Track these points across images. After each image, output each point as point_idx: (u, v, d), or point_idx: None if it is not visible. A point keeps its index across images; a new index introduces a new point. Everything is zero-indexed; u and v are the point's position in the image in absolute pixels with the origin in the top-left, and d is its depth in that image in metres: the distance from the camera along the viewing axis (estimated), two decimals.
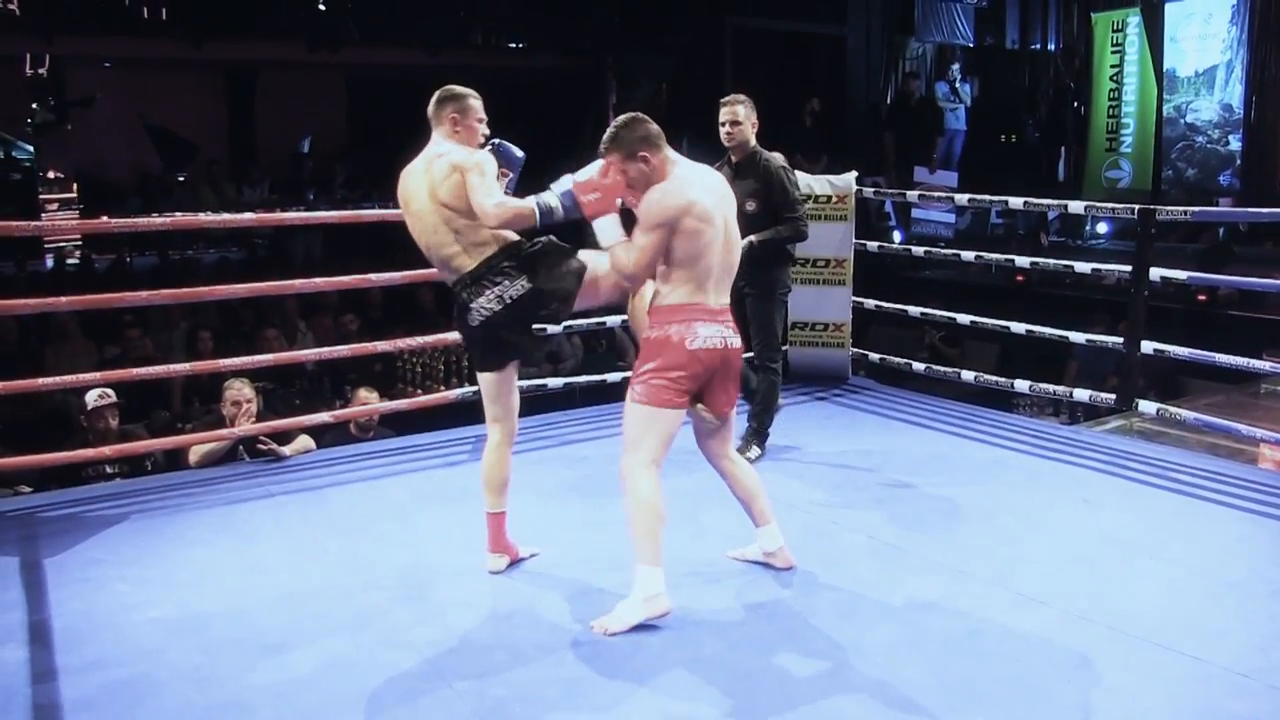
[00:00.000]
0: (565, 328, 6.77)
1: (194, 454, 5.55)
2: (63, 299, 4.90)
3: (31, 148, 16.06)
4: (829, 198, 6.75)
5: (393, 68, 16.74)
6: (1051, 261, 6.84)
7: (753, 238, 5.07)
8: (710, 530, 4.44)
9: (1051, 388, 6.32)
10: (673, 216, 3.53)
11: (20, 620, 3.77)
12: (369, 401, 6.25)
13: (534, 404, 6.38)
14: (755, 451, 5.42)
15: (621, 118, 3.72)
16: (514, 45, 17.23)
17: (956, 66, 12.82)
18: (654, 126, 3.64)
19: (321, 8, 15.27)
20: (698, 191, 3.59)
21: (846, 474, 5.20)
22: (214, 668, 3.41)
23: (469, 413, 5.93)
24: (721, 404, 3.79)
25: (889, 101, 13.07)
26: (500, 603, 3.83)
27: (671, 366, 3.58)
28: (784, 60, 13.76)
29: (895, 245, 9.56)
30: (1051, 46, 13.32)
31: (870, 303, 6.91)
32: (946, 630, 3.55)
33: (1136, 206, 5.95)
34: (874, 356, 7.00)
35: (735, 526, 4.19)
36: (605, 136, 3.68)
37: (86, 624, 3.73)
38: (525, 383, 6.44)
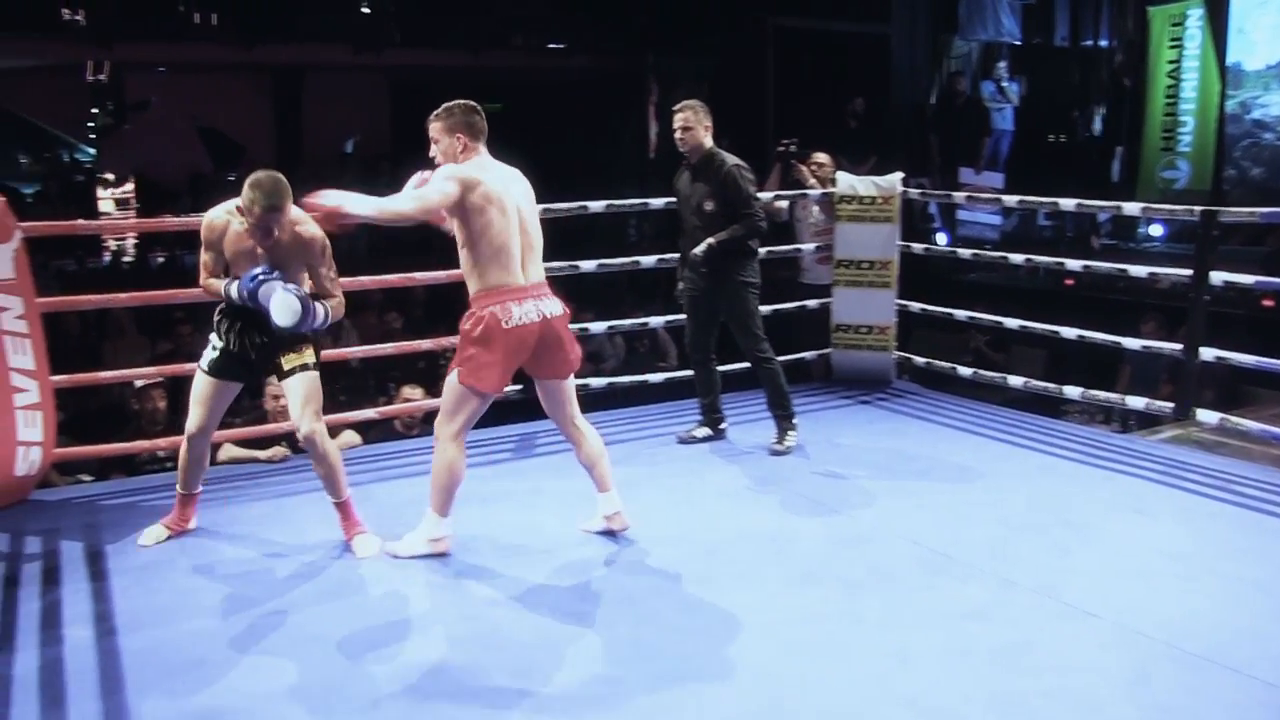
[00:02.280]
0: (609, 328, 6.78)
1: (224, 452, 5.59)
2: (121, 295, 4.99)
3: (93, 150, 16.40)
4: (873, 199, 6.70)
5: (435, 69, 16.83)
6: (1105, 265, 6.72)
7: (710, 240, 5.31)
8: (751, 533, 4.42)
9: (1104, 395, 6.17)
10: (464, 179, 3.91)
11: (86, 603, 3.87)
12: (414, 399, 6.28)
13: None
14: (792, 438, 5.54)
15: (464, 102, 4.10)
16: (554, 46, 17.27)
17: (1003, 65, 12.65)
18: (482, 122, 4.09)
19: (365, 11, 15.41)
20: (488, 176, 3.97)
21: (890, 478, 5.15)
22: (264, 656, 3.46)
23: (511, 412, 5.94)
24: (560, 369, 4.21)
25: (933, 102, 12.94)
26: (540, 600, 3.83)
27: (490, 348, 3.95)
28: (826, 60, 13.68)
29: (941, 247, 9.48)
30: (1104, 43, 13.09)
31: (915, 306, 6.84)
32: (994, 640, 3.49)
33: (1198, 208, 5.78)
34: (918, 360, 6.92)
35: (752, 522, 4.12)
36: (441, 107, 4.09)
37: (146, 609, 3.81)
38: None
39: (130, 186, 15.57)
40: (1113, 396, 6.21)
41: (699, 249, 5.33)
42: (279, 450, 5.59)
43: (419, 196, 3.99)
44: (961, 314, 6.77)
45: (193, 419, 4.32)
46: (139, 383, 6.03)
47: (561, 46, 17.24)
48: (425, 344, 6.22)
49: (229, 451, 5.58)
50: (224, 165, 16.01)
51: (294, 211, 4.13)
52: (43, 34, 14.53)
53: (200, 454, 4.42)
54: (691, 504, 4.84)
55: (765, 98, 13.94)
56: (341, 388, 7.84)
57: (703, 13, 14.88)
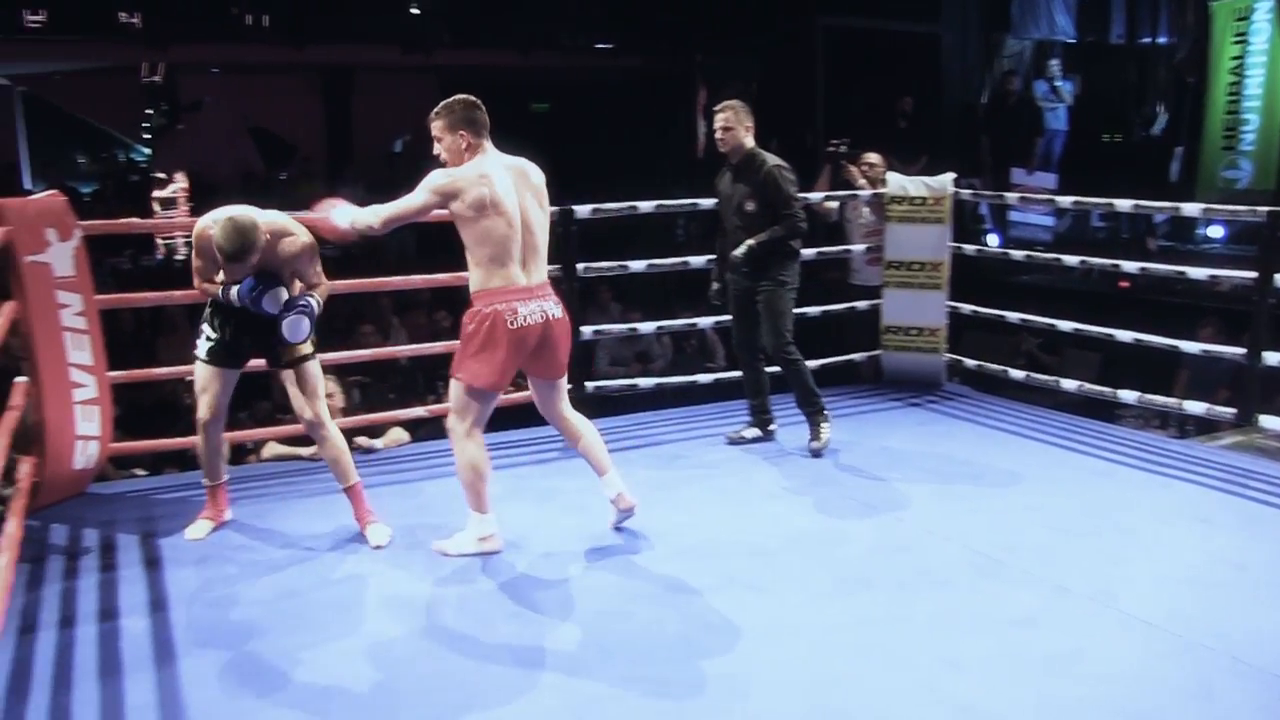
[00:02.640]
0: (658, 328, 6.77)
1: (268, 449, 5.64)
2: (176, 292, 5.04)
3: (147, 150, 16.64)
4: (924, 199, 6.64)
5: (484, 69, 16.91)
6: (1163, 267, 6.60)
7: (750, 241, 5.31)
8: (800, 534, 4.41)
9: (1162, 399, 6.07)
10: (442, 190, 3.97)
11: (142, 594, 3.94)
12: None
13: (624, 404, 6.39)
14: (826, 431, 5.52)
15: (464, 97, 4.12)
16: (602, 46, 17.29)
17: (1056, 64, 12.48)
18: (484, 116, 4.08)
19: (415, 12, 15.52)
20: (477, 180, 3.96)
21: (941, 482, 5.10)
22: (314, 651, 3.49)
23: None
24: (553, 370, 4.26)
25: (984, 101, 12.82)
26: (589, 600, 3.84)
27: (493, 347, 4.00)
28: (876, 60, 13.60)
29: (993, 248, 9.39)
30: (1163, 39, 12.85)
31: (966, 308, 6.77)
32: (1048, 648, 3.44)
33: (1266, 209, 5.63)
34: (969, 363, 6.86)
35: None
36: (441, 105, 4.10)
37: (200, 601, 3.87)
38: (615, 383, 6.47)
39: (178, 186, 15.74)
40: (1170, 401, 6.09)
41: (739, 249, 5.33)
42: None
43: (378, 211, 4.09)
44: (1014, 316, 6.69)
45: (202, 407, 4.43)
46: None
47: (609, 46, 17.26)
48: None
49: (273, 449, 5.63)
50: (275, 164, 16.21)
51: (280, 223, 4.27)
52: (100, 37, 14.78)
53: (217, 442, 4.53)
54: (740, 505, 4.83)
55: (814, 98, 13.88)
56: (391, 386, 7.89)
57: (751, 13, 14.83)
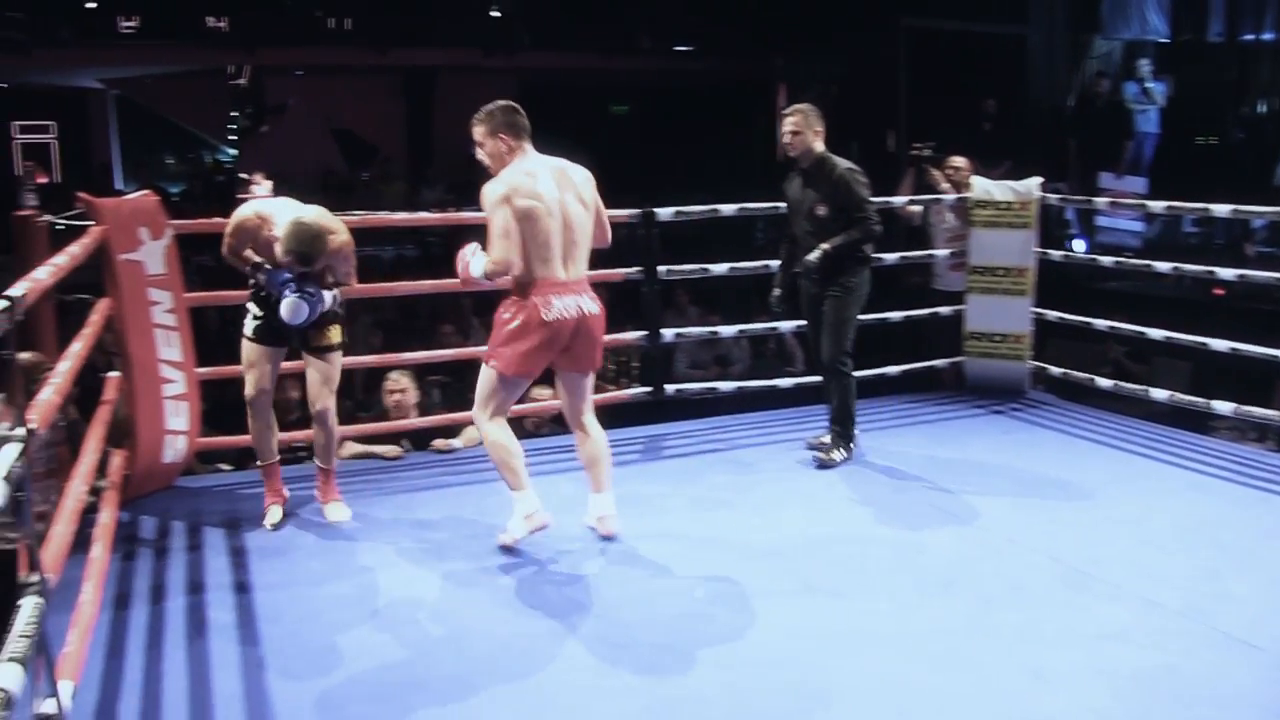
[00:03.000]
0: (738, 331, 6.74)
1: (346, 449, 5.69)
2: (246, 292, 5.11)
3: (233, 151, 16.95)
4: (1009, 204, 6.55)
5: (564, 71, 17.02)
6: (1263, 274, 6.41)
7: (825, 245, 5.19)
8: (881, 541, 4.36)
9: (1260, 411, 5.80)
10: (500, 196, 4.02)
11: (228, 587, 4.00)
12: (542, 399, 6.31)
13: (703, 407, 6.37)
14: (840, 455, 5.39)
15: (504, 103, 4.21)
16: (682, 49, 17.28)
17: (1147, 64, 12.17)
18: (523, 120, 4.18)
19: (495, 15, 15.64)
20: (526, 178, 4.07)
21: (1025, 491, 5.01)
22: (394, 647, 3.52)
23: (638, 413, 5.94)
24: (583, 364, 4.30)
25: (1071, 104, 12.59)
26: (668, 604, 3.83)
27: (526, 337, 4.07)
28: (960, 62, 13.44)
29: (1080, 254, 9.22)
30: (1268, 36, 12.40)
31: (1052, 314, 6.65)
32: (1138, 663, 3.35)
33: None
34: (1054, 370, 6.73)
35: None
36: (482, 110, 4.20)
37: (284, 596, 3.92)
38: (694, 386, 6.46)
39: (259, 189, 15.98)
40: (1270, 413, 5.84)
41: (813, 255, 5.21)
42: (395, 448, 5.69)
43: (494, 256, 4.07)
44: (1101, 323, 6.55)
45: (249, 384, 4.58)
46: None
47: (689, 49, 17.25)
48: None
49: (351, 448, 5.68)
50: (357, 165, 16.42)
51: (325, 221, 4.38)
52: (189, 41, 15.12)
53: (267, 419, 4.66)
54: (820, 510, 4.79)
55: (896, 101, 13.74)
56: (468, 385, 7.94)
57: (833, 14, 14.73)
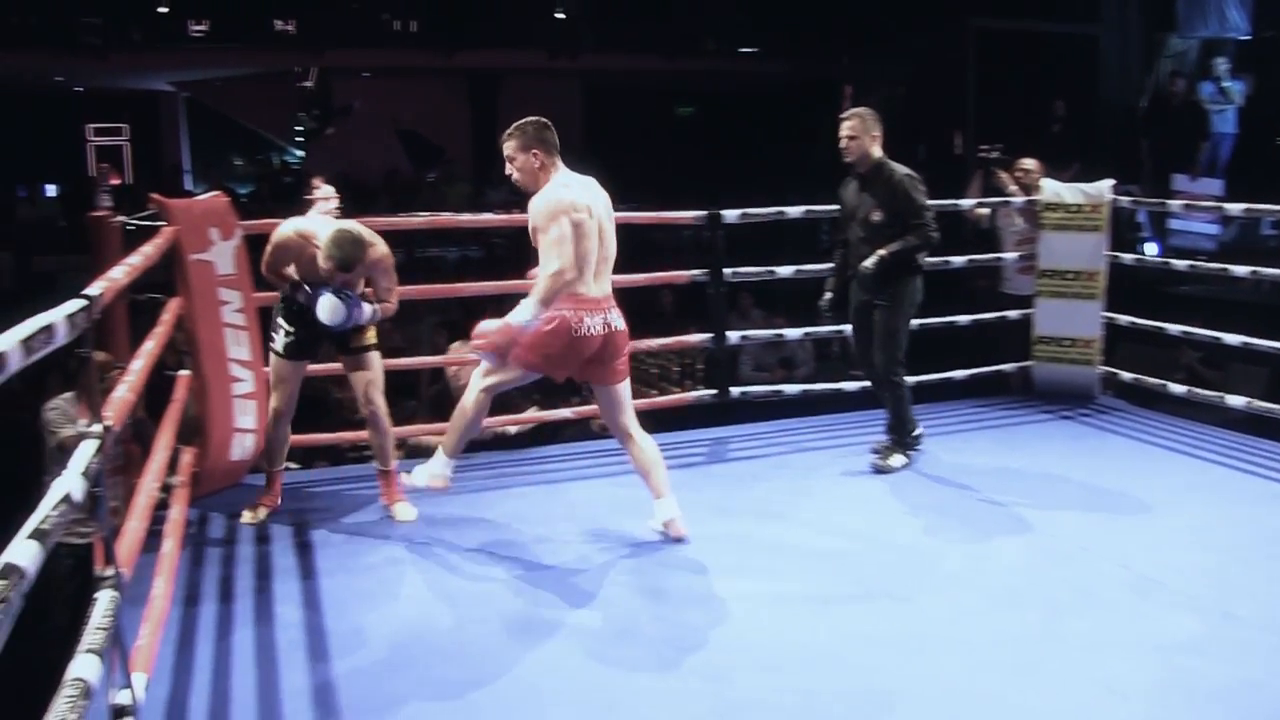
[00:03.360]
0: (804, 334, 6.70)
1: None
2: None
3: (300, 152, 17.16)
4: (1080, 207, 6.45)
5: (628, 73, 17.02)
6: None
7: (881, 251, 5.08)
8: (947, 547, 4.31)
9: None
10: (558, 209, 4.05)
11: (295, 585, 4.04)
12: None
13: (768, 410, 6.34)
14: (899, 460, 5.32)
15: (535, 119, 4.22)
16: (747, 51, 17.23)
17: (1224, 62, 11.90)
18: (554, 136, 4.22)
19: (559, 16, 15.69)
20: (571, 191, 4.11)
21: (1096, 498, 4.93)
22: (461, 646, 3.53)
23: (703, 416, 5.92)
24: (609, 377, 4.31)
25: (1144, 104, 12.37)
26: (733, 606, 3.80)
27: (553, 341, 4.11)
28: (1030, 63, 13.28)
29: (1152, 257, 9.07)
30: None
31: (1123, 319, 6.54)
32: (1218, 678, 3.26)
33: None
34: (1125, 376, 6.61)
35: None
36: (513, 126, 4.22)
37: (350, 594, 3.94)
38: (760, 389, 6.43)
39: (320, 192, 16.15)
40: None
41: (869, 262, 5.10)
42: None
43: (552, 266, 4.04)
44: (1174, 328, 6.42)
45: (278, 399, 4.70)
46: None
47: (755, 51, 17.20)
48: None
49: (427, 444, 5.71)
50: (422, 166, 16.55)
51: (365, 236, 4.47)
52: (257, 44, 15.34)
53: (286, 433, 4.78)
54: (886, 515, 4.74)
55: (964, 102, 13.60)
56: (536, 386, 7.98)
57: (899, 15, 14.61)
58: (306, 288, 4.52)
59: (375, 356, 4.72)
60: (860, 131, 5.19)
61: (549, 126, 4.23)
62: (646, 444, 4.39)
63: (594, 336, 4.15)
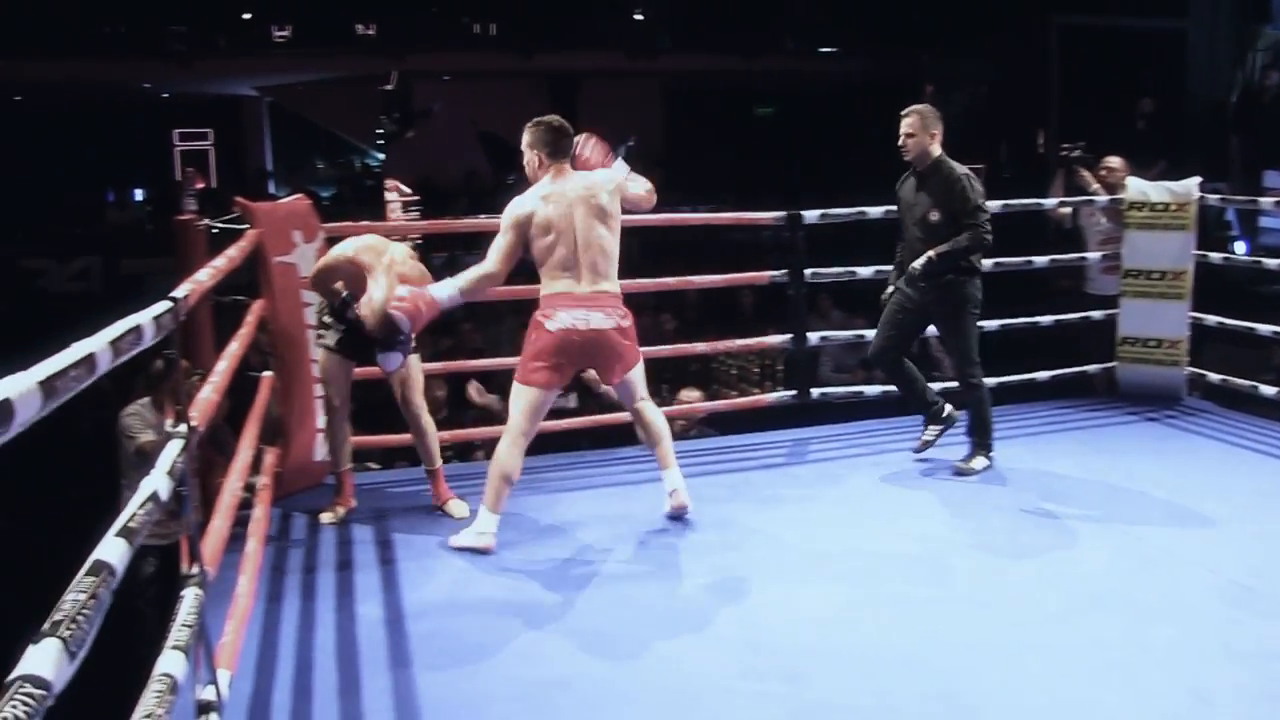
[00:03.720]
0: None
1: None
2: None
3: (381, 155, 17.39)
4: (1166, 205, 6.32)
5: (707, 73, 17.00)
6: None
7: (931, 252, 5.02)
8: (1029, 550, 4.24)
9: None
10: (513, 221, 4.30)
11: (375, 582, 4.09)
12: (691, 401, 6.34)
13: (848, 411, 6.30)
14: (981, 462, 5.25)
15: (553, 121, 4.38)
16: (827, 50, 17.13)
17: None
18: (567, 142, 4.39)
19: (638, 18, 15.71)
20: (537, 203, 4.28)
21: (1183, 502, 4.82)
22: (541, 646, 3.55)
23: (782, 417, 5.91)
24: (612, 374, 4.45)
25: (1234, 100, 12.08)
26: (814, 608, 3.78)
27: (539, 349, 4.26)
28: (1115, 59, 13.04)
29: (1242, 257, 8.86)
30: None
31: (1211, 319, 6.40)
32: None
33: None
34: (1213, 377, 6.47)
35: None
36: (534, 120, 4.40)
37: (431, 593, 3.98)
38: (840, 390, 6.40)
39: (394, 197, 16.29)
40: None
41: (919, 261, 5.05)
42: None
43: (486, 269, 4.36)
44: (1264, 328, 6.27)
45: (335, 396, 4.77)
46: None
47: (834, 50, 17.09)
48: (701, 347, 6.27)
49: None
50: (502, 168, 16.67)
51: (396, 251, 4.61)
52: (339, 48, 15.56)
53: (345, 431, 4.85)
54: (966, 518, 4.69)
55: (1048, 100, 13.41)
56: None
57: (981, 12, 14.44)
58: (353, 307, 4.59)
59: (414, 359, 4.80)
60: (919, 129, 5.13)
61: (564, 132, 4.38)
62: (653, 419, 4.55)
63: (589, 331, 4.26)
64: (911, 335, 5.49)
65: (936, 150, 5.16)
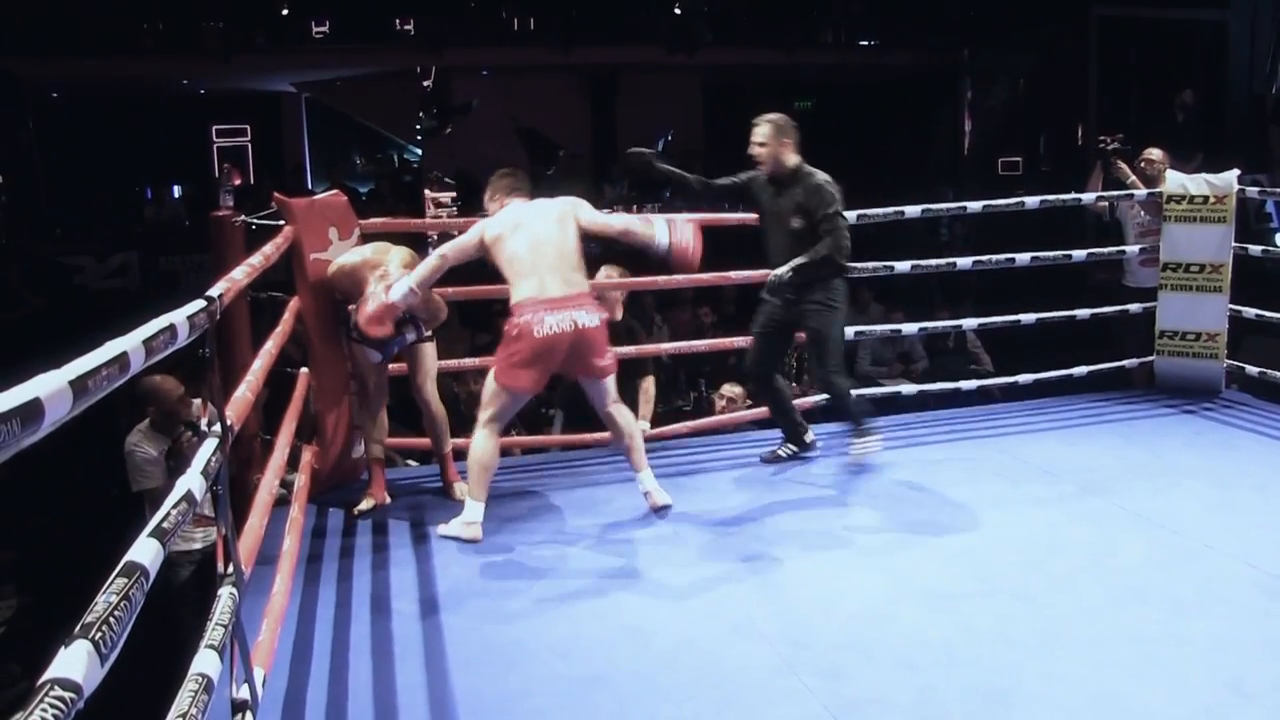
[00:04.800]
0: (920, 329, 6.63)
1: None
2: (447, 289, 5.20)
3: (419, 150, 17.46)
4: (1205, 198, 6.27)
5: (747, 67, 16.97)
6: None
7: (786, 268, 5.05)
8: (1068, 544, 4.22)
9: None
10: (478, 227, 4.63)
11: (411, 579, 4.11)
12: (733, 396, 6.35)
13: (885, 404, 6.29)
14: (871, 444, 5.22)
15: (506, 171, 4.85)
16: (866, 44, 17.06)
17: None
18: (517, 181, 4.79)
19: (677, 12, 15.70)
20: (495, 225, 4.56)
21: (1221, 495, 4.80)
22: (577, 642, 3.56)
23: (822, 410, 5.90)
24: (590, 371, 4.58)
25: (1275, 91, 11.95)
26: (852, 603, 3.78)
27: (520, 352, 4.39)
28: (1155, 51, 12.93)
29: None
30: None
31: (1250, 311, 6.35)
32: None
33: None
34: (1251, 370, 6.42)
35: None
36: (494, 174, 4.82)
37: (466, 588, 4.00)
38: (878, 391, 6.38)
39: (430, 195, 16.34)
40: None
41: (779, 272, 5.05)
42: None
43: (442, 249, 4.67)
44: None
45: (364, 383, 4.89)
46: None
47: (873, 44, 17.02)
48: (738, 341, 6.26)
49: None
50: (541, 163, 16.71)
51: (395, 260, 4.74)
52: (378, 44, 15.63)
53: (380, 420, 4.97)
54: (1005, 510, 4.67)
55: (1086, 92, 13.30)
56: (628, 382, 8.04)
57: (1021, 5, 14.34)
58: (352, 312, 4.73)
59: (428, 348, 4.94)
60: (771, 138, 5.11)
61: (514, 174, 4.82)
62: (625, 423, 4.69)
63: (561, 334, 4.37)
64: (782, 348, 5.54)
65: (793, 158, 5.14)
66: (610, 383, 4.64)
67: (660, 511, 4.65)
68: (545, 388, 5.03)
